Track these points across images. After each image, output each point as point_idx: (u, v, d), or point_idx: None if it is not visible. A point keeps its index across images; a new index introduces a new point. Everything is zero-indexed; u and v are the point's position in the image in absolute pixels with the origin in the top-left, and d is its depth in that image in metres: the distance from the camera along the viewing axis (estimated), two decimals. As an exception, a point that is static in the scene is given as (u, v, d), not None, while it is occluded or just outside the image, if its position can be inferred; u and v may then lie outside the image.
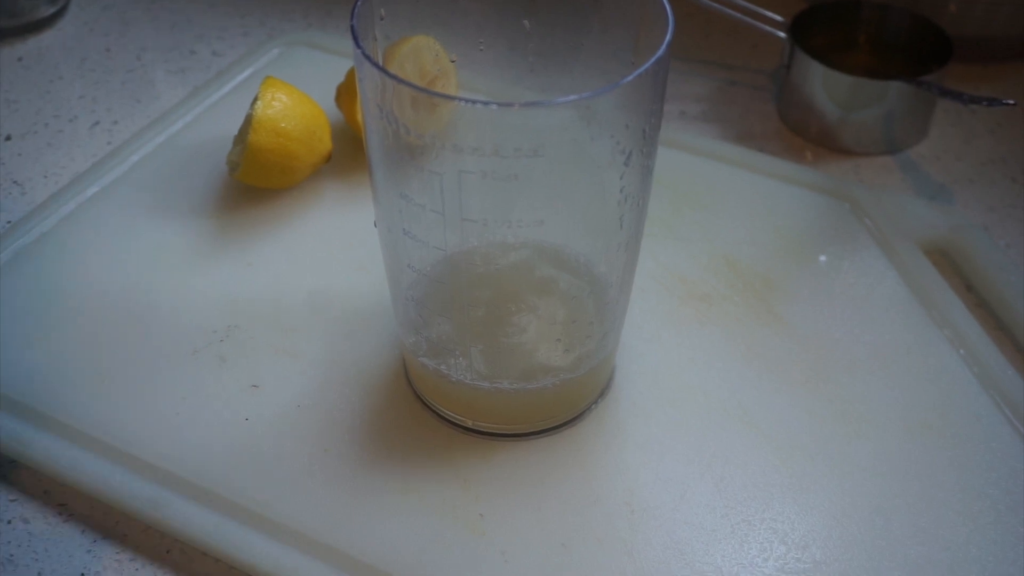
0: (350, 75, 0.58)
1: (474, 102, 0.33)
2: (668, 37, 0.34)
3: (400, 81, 0.32)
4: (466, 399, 0.42)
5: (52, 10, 0.74)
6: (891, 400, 0.45)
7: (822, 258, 0.53)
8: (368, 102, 0.35)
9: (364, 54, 0.33)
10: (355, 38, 0.34)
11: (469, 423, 0.43)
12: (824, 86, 0.60)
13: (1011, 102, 0.55)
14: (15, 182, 0.60)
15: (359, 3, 0.35)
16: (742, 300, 0.50)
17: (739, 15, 0.64)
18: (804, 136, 0.63)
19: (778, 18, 0.63)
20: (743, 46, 0.71)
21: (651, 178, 0.38)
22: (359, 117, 0.43)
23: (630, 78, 0.32)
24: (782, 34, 0.63)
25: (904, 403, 0.45)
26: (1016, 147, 0.62)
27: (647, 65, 0.33)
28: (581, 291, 0.42)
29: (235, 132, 0.56)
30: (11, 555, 0.41)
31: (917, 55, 0.62)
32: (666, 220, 0.55)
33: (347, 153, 0.58)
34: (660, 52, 0.33)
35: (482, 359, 0.41)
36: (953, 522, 0.41)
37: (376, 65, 0.33)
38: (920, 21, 0.62)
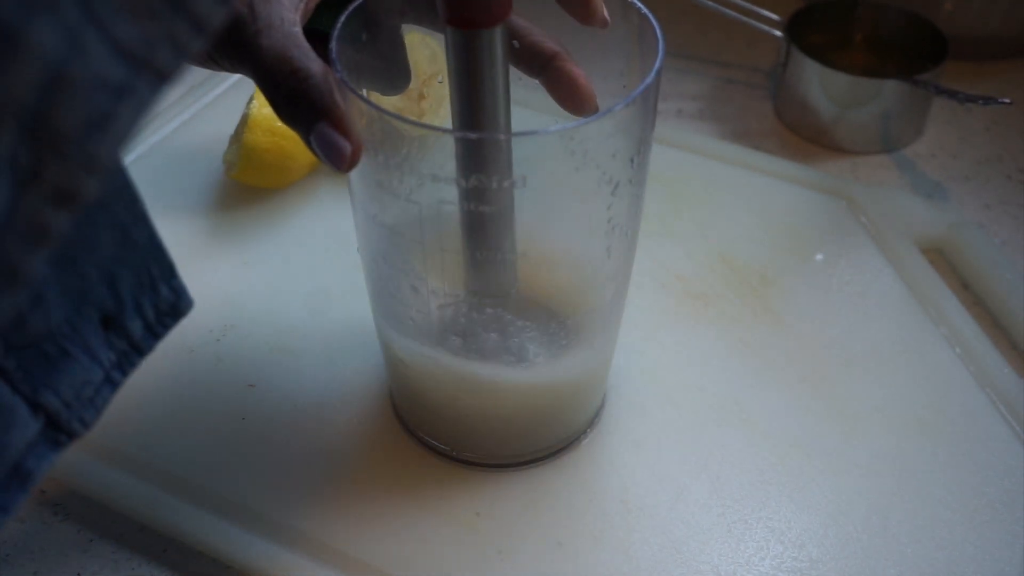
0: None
1: (456, 133, 0.32)
2: (658, 64, 0.33)
3: (385, 112, 0.31)
4: (451, 431, 0.42)
5: (48, 9, 0.74)
6: (887, 398, 0.45)
7: (819, 256, 0.53)
8: None
9: (344, 80, 0.32)
10: (335, 64, 0.32)
11: (454, 454, 0.43)
12: (821, 84, 0.60)
13: (1007, 100, 0.55)
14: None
15: (339, 26, 0.33)
16: (739, 298, 0.50)
17: (736, 14, 0.64)
18: (801, 134, 0.63)
19: (775, 17, 0.63)
20: (740, 44, 0.71)
21: (641, 206, 0.37)
22: None
23: (619, 107, 0.31)
24: (778, 33, 0.63)
25: (900, 401, 0.45)
26: (1012, 145, 0.62)
27: (635, 94, 0.31)
28: (567, 324, 0.40)
29: (231, 131, 0.56)
30: (7, 555, 0.41)
31: (913, 54, 0.62)
32: (663, 218, 0.55)
33: (343, 152, 0.58)
34: (648, 80, 0.32)
35: (467, 391, 0.40)
36: (949, 520, 0.41)
37: (358, 95, 0.32)
38: (916, 20, 0.62)
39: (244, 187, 0.56)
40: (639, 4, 0.35)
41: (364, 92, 0.36)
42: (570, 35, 0.36)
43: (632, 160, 0.34)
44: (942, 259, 0.53)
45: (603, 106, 0.33)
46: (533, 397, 0.40)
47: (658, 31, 0.34)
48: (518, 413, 0.40)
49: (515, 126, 0.34)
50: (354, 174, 0.35)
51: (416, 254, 0.35)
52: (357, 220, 0.38)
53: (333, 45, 0.33)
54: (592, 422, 0.44)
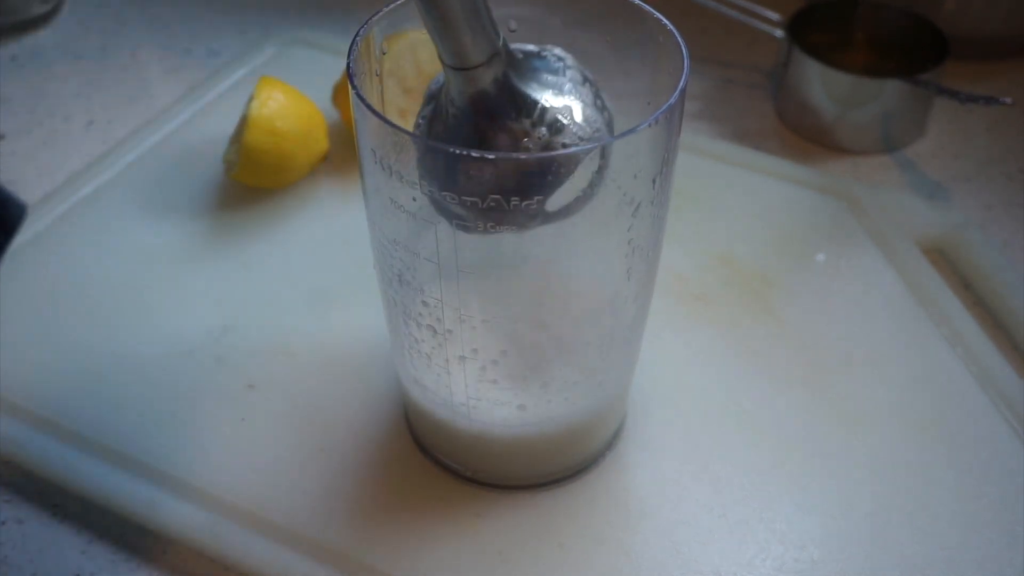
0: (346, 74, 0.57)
1: (473, 154, 0.31)
2: (682, 83, 0.31)
3: (399, 129, 0.30)
4: (463, 448, 0.41)
5: (46, 8, 0.74)
6: (888, 399, 0.45)
7: (819, 257, 0.53)
8: (364, 148, 0.33)
9: (359, 96, 0.31)
10: (351, 79, 0.32)
11: (468, 473, 0.42)
12: (821, 84, 0.60)
13: (1008, 100, 0.55)
14: (9, 182, 0.59)
15: (357, 40, 0.33)
16: (739, 299, 0.50)
17: (736, 13, 0.64)
18: (801, 134, 0.63)
19: (775, 16, 0.63)
20: (740, 44, 0.71)
21: (663, 227, 0.36)
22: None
23: (643, 126, 0.30)
24: (779, 32, 0.63)
25: (901, 402, 0.45)
26: (1013, 145, 0.62)
27: (659, 113, 0.30)
28: (586, 347, 0.40)
29: (231, 132, 0.56)
30: (5, 556, 0.40)
31: (914, 53, 0.62)
32: (663, 219, 0.54)
33: (343, 153, 0.58)
34: (673, 99, 0.31)
35: (481, 411, 0.39)
36: (950, 521, 0.41)
37: (379, 115, 0.31)
38: (917, 19, 0.62)
39: (244, 188, 0.56)
40: (665, 20, 0.34)
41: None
42: (594, 52, 0.35)
43: (654, 180, 0.33)
44: (943, 260, 0.53)
45: (626, 125, 0.33)
46: (552, 424, 0.39)
47: (683, 48, 0.33)
48: (534, 440, 0.40)
49: None
50: (368, 191, 0.34)
51: (431, 274, 0.35)
52: (372, 238, 0.37)
53: (350, 62, 0.32)
54: (610, 443, 0.43)
